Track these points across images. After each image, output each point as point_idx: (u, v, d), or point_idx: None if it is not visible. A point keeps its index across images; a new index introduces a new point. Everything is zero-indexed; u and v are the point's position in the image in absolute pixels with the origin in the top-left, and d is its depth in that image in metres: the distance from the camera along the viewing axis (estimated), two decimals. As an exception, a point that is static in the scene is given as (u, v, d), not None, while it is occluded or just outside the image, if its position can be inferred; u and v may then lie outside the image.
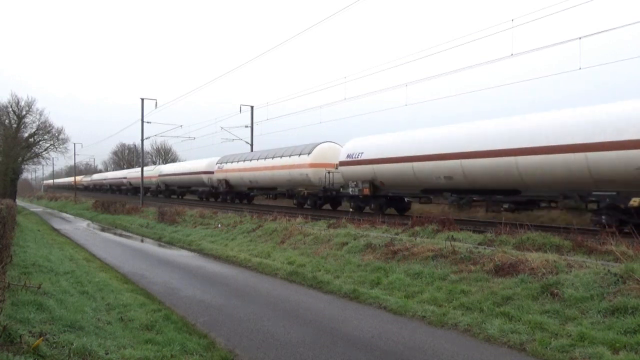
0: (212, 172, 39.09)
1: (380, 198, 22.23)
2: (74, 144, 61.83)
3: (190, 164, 45.84)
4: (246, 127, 41.10)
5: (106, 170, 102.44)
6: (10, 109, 44.20)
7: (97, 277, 10.73)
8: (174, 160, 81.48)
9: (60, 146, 47.63)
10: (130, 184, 63.93)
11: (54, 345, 5.02)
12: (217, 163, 37.97)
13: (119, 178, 69.84)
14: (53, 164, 79.43)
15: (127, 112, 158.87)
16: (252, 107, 41.08)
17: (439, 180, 18.47)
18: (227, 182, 36.53)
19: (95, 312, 7.42)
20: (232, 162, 35.88)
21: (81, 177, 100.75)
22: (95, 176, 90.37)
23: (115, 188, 72.62)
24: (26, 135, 45.42)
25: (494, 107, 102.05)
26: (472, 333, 6.78)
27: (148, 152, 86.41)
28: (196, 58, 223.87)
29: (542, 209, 17.80)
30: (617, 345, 5.61)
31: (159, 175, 52.64)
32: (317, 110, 49.07)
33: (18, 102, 44.31)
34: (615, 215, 13.47)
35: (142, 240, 20.91)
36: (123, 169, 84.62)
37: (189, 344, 6.33)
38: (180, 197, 50.65)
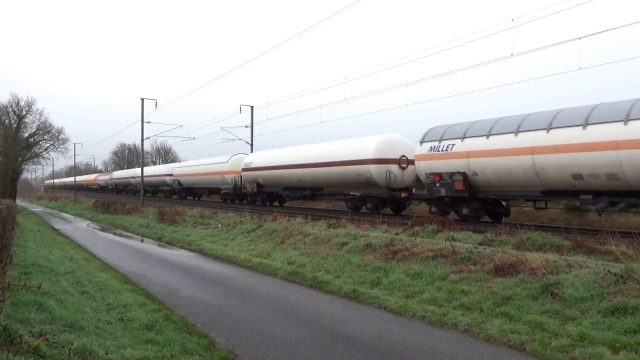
0: (397, 160, 21.41)
1: None
2: (74, 144, 61.87)
3: (331, 147, 25.13)
4: (246, 127, 41.08)
5: (106, 170, 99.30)
6: (10, 109, 44.26)
7: (97, 277, 10.73)
8: (173, 161, 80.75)
9: (60, 146, 47.74)
10: (179, 183, 45.70)
11: (54, 345, 5.01)
12: (425, 141, 18.99)
13: (159, 175, 50.82)
14: (53, 164, 79.28)
15: (127, 112, 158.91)
16: (252, 107, 41.06)
17: None
18: (467, 178, 17.04)
19: (95, 312, 7.42)
20: (487, 136, 16.47)
21: (95, 175, 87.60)
22: (118, 174, 69.71)
23: (151, 189, 54.43)
24: (26, 135, 45.46)
25: (494, 107, 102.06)
26: (472, 333, 6.78)
27: (148, 152, 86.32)
28: (196, 58, 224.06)
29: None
30: (617, 345, 5.61)
31: (245, 169, 31.85)
32: (317, 110, 48.86)
33: (18, 102, 44.40)
34: None
35: (142, 240, 20.92)
36: (123, 168, 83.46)
37: (189, 344, 6.33)
38: (271, 203, 31.83)
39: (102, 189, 78.16)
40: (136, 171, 56.34)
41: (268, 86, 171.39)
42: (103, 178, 78.12)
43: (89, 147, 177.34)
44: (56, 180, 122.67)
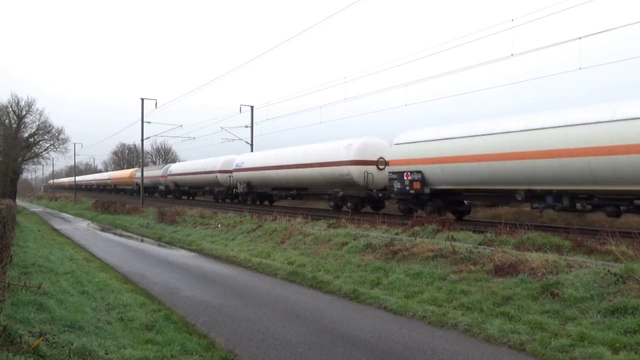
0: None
1: None
2: (74, 144, 61.56)
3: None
4: (246, 127, 41.14)
5: (106, 170, 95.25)
6: (10, 109, 44.27)
7: (97, 277, 10.73)
8: (173, 161, 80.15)
9: (60, 146, 47.74)
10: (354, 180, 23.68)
11: (54, 345, 5.01)
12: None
13: (332, 163, 25.07)
14: (53, 164, 78.74)
15: (127, 112, 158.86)
16: (252, 107, 41.11)
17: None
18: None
19: (95, 312, 7.42)
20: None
21: (131, 171, 61.77)
22: (182, 167, 47.85)
23: (282, 192, 32.59)
24: (26, 135, 45.45)
25: (494, 107, 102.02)
26: (472, 333, 6.78)
27: (148, 152, 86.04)
28: (196, 58, 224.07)
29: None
30: (617, 345, 5.61)
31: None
32: (317, 110, 48.78)
33: (18, 102, 44.40)
34: None
35: (142, 240, 20.91)
36: (123, 168, 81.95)
37: (189, 344, 6.33)
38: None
39: (146, 190, 52.53)
40: (230, 160, 36.67)
41: (268, 86, 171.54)
42: (151, 174, 52.94)
43: (89, 147, 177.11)
44: (65, 179, 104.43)
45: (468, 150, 16.76)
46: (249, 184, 33.68)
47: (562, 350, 5.78)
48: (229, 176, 36.54)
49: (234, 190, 35.61)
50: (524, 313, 6.94)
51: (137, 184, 55.30)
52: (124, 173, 64.97)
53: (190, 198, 48.69)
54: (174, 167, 49.87)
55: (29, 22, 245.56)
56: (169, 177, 49.41)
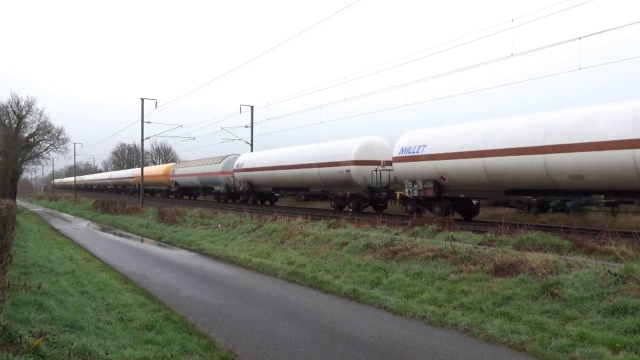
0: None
1: None
2: (74, 144, 61.47)
3: None
4: (246, 127, 41.14)
5: (106, 170, 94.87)
6: (10, 109, 44.32)
7: (97, 277, 10.73)
8: (173, 160, 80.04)
9: (60, 146, 47.82)
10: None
11: (54, 345, 5.01)
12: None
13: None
14: (53, 164, 78.59)
15: (127, 112, 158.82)
16: (252, 107, 41.11)
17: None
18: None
19: (95, 312, 7.42)
20: None
21: (167, 166, 48.93)
22: (256, 158, 33.57)
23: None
24: (26, 135, 45.50)
25: (494, 107, 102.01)
26: (472, 333, 6.78)
27: (148, 152, 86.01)
28: (196, 58, 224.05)
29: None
30: (617, 345, 5.61)
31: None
32: (317, 110, 48.66)
33: (18, 102, 44.46)
34: None
35: (142, 240, 20.91)
36: (123, 168, 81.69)
37: (189, 344, 6.33)
38: None
39: (187, 192, 44.42)
40: (374, 144, 24.89)
41: (268, 86, 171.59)
42: (201, 170, 41.02)
43: (89, 147, 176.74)
44: (70, 179, 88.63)
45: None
46: (439, 183, 19.28)
47: (562, 350, 5.78)
48: (376, 170, 23.29)
49: (397, 193, 21.99)
50: (524, 313, 6.94)
51: (176, 183, 45.38)
52: (156, 170, 49.32)
53: (267, 203, 34.18)
54: (246, 159, 34.41)
55: (29, 22, 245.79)
56: (237, 174, 34.58)
